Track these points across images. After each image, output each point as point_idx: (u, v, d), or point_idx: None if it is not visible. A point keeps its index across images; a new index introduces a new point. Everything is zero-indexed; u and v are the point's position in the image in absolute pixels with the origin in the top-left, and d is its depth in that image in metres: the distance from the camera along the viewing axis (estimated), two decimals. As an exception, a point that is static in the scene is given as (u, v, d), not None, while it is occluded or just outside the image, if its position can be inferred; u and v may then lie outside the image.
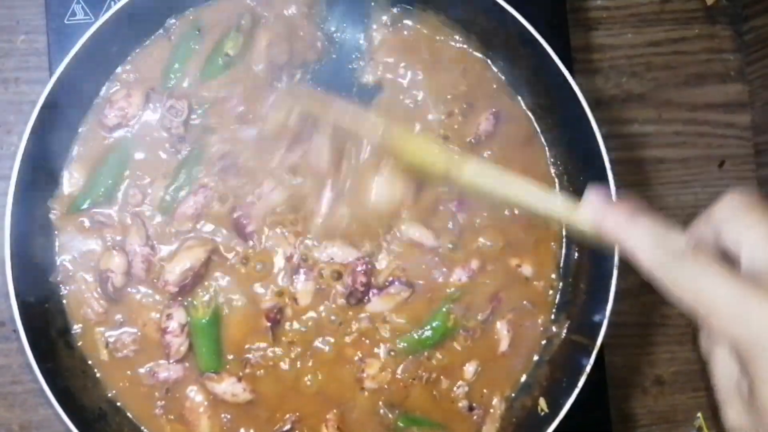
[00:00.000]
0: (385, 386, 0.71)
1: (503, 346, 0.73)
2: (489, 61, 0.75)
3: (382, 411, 0.71)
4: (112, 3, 0.73)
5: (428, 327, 0.72)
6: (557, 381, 0.70)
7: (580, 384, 0.66)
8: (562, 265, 0.75)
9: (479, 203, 0.73)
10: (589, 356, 0.65)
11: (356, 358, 0.71)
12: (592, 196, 0.49)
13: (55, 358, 0.66)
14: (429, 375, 0.72)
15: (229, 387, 0.69)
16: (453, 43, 0.75)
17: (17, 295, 0.62)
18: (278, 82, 0.72)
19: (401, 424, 0.71)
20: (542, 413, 0.70)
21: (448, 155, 0.61)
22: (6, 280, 0.63)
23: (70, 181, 0.70)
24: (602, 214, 0.48)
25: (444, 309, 0.72)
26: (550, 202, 0.54)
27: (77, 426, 0.62)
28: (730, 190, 0.46)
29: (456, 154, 0.63)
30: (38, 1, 0.78)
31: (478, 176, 0.57)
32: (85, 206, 0.69)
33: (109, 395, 0.69)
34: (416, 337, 0.72)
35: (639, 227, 0.45)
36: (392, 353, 0.71)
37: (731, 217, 0.45)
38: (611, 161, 0.66)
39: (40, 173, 0.66)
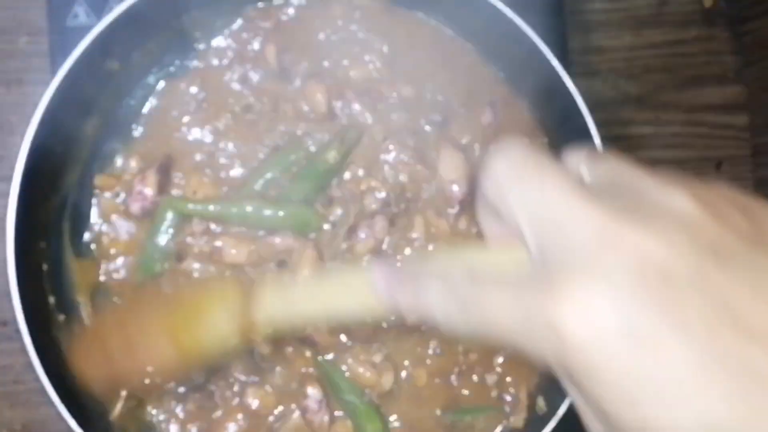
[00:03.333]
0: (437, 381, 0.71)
1: None
2: (487, 63, 0.75)
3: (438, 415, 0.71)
4: (114, 5, 0.73)
5: None
6: (555, 380, 0.70)
7: (579, 384, 0.66)
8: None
9: None
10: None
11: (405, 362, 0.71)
12: (374, 274, 0.38)
13: (56, 358, 0.66)
14: (464, 368, 0.71)
15: None
16: (450, 45, 0.75)
17: (20, 295, 0.63)
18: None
19: (454, 418, 0.71)
20: (540, 412, 0.70)
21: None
22: (8, 280, 0.63)
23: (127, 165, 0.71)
24: (391, 297, 0.37)
25: None
26: (354, 299, 0.40)
27: (80, 425, 0.62)
28: (488, 154, 0.34)
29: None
30: (40, 3, 0.78)
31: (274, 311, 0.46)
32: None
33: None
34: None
35: (427, 295, 0.35)
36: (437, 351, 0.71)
37: (498, 194, 0.34)
38: (609, 163, 0.66)
39: (42, 175, 0.67)
